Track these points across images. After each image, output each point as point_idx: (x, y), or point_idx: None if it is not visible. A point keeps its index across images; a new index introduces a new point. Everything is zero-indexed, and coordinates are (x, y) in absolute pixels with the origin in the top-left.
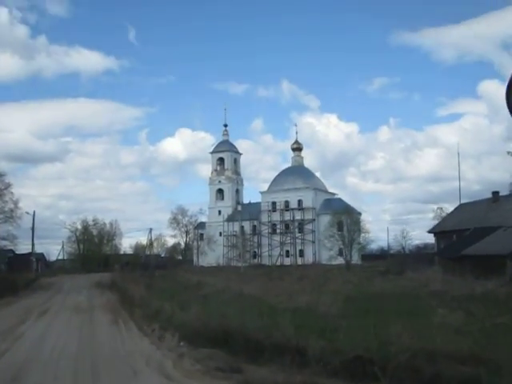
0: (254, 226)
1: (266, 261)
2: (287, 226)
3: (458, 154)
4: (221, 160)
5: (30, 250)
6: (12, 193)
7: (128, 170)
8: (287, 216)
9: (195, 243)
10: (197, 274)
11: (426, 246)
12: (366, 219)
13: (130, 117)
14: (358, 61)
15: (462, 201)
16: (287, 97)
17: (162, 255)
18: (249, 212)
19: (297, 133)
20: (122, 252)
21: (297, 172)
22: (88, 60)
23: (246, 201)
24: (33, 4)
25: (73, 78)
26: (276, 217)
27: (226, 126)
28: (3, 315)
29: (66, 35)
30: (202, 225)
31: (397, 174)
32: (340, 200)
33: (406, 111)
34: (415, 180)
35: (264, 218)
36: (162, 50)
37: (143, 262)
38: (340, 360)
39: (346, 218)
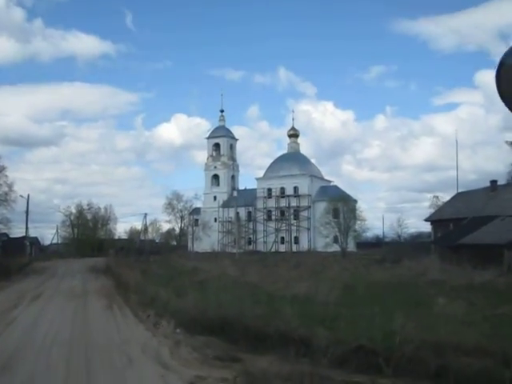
0: (250, 213)
1: (260, 247)
2: (282, 213)
3: (457, 142)
4: (217, 146)
5: (24, 234)
6: (6, 176)
7: (123, 154)
8: (283, 203)
9: (190, 229)
10: (192, 260)
11: (420, 234)
12: (361, 207)
13: (126, 102)
14: (356, 48)
15: (458, 190)
16: (284, 84)
17: (157, 240)
18: (244, 198)
19: (293, 119)
20: (116, 237)
21: (293, 158)
22: (84, 44)
23: (241, 187)
24: None
25: (69, 62)
26: (271, 203)
27: (222, 111)
28: None
29: (63, 19)
30: (197, 210)
31: (392, 162)
32: (336, 187)
33: (402, 100)
34: (411, 169)
35: (259, 204)
36: (158, 35)
37: (138, 247)
38: (342, 350)
39: (341, 205)
